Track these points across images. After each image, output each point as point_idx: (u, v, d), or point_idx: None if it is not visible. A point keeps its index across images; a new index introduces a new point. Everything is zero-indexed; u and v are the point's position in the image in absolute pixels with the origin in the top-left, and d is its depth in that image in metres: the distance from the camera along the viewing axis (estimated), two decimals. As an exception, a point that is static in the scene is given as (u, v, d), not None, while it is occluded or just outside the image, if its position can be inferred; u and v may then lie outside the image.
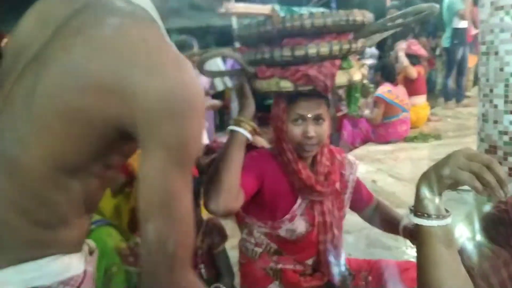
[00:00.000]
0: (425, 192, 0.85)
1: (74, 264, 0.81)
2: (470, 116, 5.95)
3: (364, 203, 1.60)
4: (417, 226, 0.86)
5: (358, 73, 1.30)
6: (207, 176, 1.25)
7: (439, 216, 0.84)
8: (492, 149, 2.30)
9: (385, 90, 4.65)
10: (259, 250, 1.45)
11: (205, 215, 1.73)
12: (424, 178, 0.86)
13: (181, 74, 0.72)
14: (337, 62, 1.23)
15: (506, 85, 2.19)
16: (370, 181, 3.55)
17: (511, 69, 2.16)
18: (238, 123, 1.25)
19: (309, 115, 1.31)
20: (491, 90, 2.26)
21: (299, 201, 1.39)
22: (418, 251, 0.87)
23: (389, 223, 1.54)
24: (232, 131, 1.25)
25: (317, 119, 1.33)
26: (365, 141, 4.92)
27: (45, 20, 0.79)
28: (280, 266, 1.45)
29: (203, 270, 1.54)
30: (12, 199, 0.74)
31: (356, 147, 4.83)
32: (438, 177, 0.83)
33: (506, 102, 2.20)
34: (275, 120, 1.36)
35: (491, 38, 2.22)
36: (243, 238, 1.49)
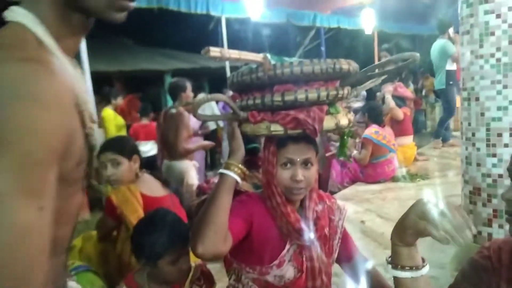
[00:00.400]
0: (397, 244, 0.88)
1: None
2: (456, 156, 6.05)
3: (349, 256, 1.57)
4: (394, 277, 0.89)
5: (345, 118, 1.34)
6: (196, 218, 1.26)
7: (412, 268, 0.86)
8: (476, 191, 2.35)
9: (372, 131, 4.73)
10: None
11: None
12: (394, 230, 0.89)
13: None
14: (325, 107, 1.29)
15: (488, 129, 2.26)
16: (359, 222, 3.57)
17: (492, 114, 2.24)
18: (228, 167, 1.28)
19: (298, 159, 1.34)
20: (473, 134, 2.33)
21: (287, 246, 1.39)
22: None
23: None
24: (222, 174, 1.28)
25: (306, 163, 1.36)
26: (354, 180, 4.95)
27: None
28: None
29: None
30: None
31: (345, 187, 4.85)
32: (402, 229, 0.87)
33: (488, 145, 2.27)
34: (265, 164, 1.38)
35: (472, 84, 2.32)
36: (231, 284, 1.47)
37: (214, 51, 1.22)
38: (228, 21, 6.80)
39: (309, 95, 1.23)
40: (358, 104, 5.50)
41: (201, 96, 1.28)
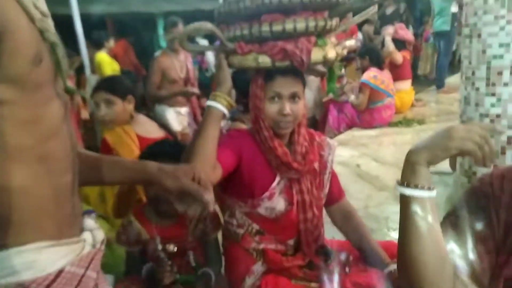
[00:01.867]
0: (419, 164, 0.86)
1: (41, 261, 0.68)
2: (453, 101, 6.01)
3: (334, 198, 1.60)
4: (404, 198, 0.87)
5: (332, 51, 1.33)
6: (185, 150, 1.27)
7: (430, 188, 0.86)
8: (473, 132, 2.32)
9: (370, 75, 4.65)
10: (241, 231, 1.46)
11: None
12: (421, 151, 0.87)
13: None
14: (312, 38, 1.28)
15: (488, 68, 2.20)
16: (355, 165, 3.58)
17: (493, 51, 2.17)
18: (214, 98, 1.27)
19: (285, 93, 1.34)
20: (473, 73, 2.28)
21: (277, 179, 1.41)
22: (404, 224, 0.88)
23: (355, 239, 1.55)
24: (209, 106, 1.27)
25: (293, 97, 1.35)
26: (350, 126, 4.95)
27: None
28: (262, 246, 1.46)
29: (191, 258, 1.54)
30: None
31: (341, 132, 4.86)
32: (443, 149, 0.85)
33: (487, 84, 2.22)
34: (253, 99, 1.38)
35: (474, 20, 2.23)
36: (226, 220, 1.50)
37: None
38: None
39: (298, 25, 1.22)
40: (350, 43, 5.38)
41: (189, 26, 1.23)
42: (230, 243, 1.51)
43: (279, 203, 1.41)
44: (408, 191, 0.86)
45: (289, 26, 1.21)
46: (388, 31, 5.41)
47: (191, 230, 1.56)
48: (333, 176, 1.57)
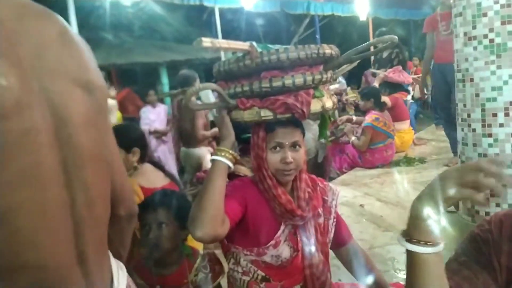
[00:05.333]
0: (419, 218, 0.82)
1: None
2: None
3: (343, 240, 1.61)
4: (409, 252, 0.85)
5: (329, 101, 1.41)
6: (193, 204, 1.29)
7: (435, 243, 0.82)
8: (473, 172, 2.37)
9: (373, 118, 4.75)
10: (246, 278, 1.46)
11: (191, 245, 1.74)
12: (422, 204, 0.82)
13: None
14: (311, 91, 1.35)
15: (483, 110, 2.28)
16: (358, 205, 3.60)
17: (486, 94, 2.26)
18: (219, 153, 1.32)
19: (287, 142, 1.39)
20: (469, 115, 2.36)
21: (282, 227, 1.43)
22: (409, 274, 0.86)
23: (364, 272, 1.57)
24: (214, 160, 1.32)
25: (294, 145, 1.41)
26: (352, 166, 4.97)
27: None
28: None
29: None
30: None
31: (344, 173, 4.88)
32: (441, 200, 0.79)
33: (483, 126, 2.29)
34: (255, 149, 1.42)
35: (466, 66, 2.33)
36: (230, 268, 1.50)
37: (206, 41, 1.25)
38: (221, 11, 6.78)
39: (296, 80, 1.29)
40: (334, 86, 5.55)
41: (193, 87, 1.33)
42: (236, 291, 1.50)
43: (285, 251, 1.42)
44: (410, 246, 0.84)
45: (288, 81, 1.28)
46: (379, 76, 5.58)
47: (192, 279, 1.57)
48: (340, 219, 1.59)
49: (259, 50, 1.33)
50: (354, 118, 5.20)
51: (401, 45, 6.29)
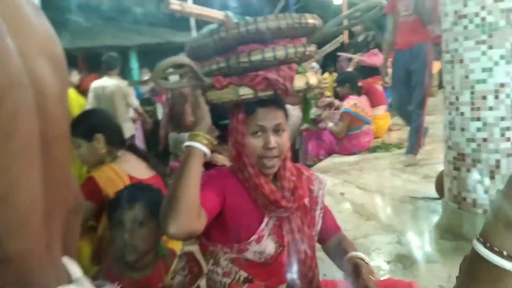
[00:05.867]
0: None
1: None
2: (430, 124, 6.09)
3: (331, 233, 1.50)
4: (488, 263, 0.67)
5: (314, 77, 1.30)
6: (165, 196, 1.17)
7: None
8: (460, 157, 2.30)
9: (351, 103, 4.70)
10: (227, 280, 1.34)
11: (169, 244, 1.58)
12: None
13: None
14: (294, 65, 1.24)
15: (472, 93, 2.20)
16: (338, 194, 3.52)
17: (476, 76, 2.18)
18: (193, 138, 1.20)
19: (269, 126, 1.28)
20: (457, 98, 2.27)
21: (265, 219, 1.31)
22: None
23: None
24: (188, 147, 1.19)
25: (277, 129, 1.29)
26: (329, 153, 4.93)
27: None
28: None
29: None
30: None
31: (320, 160, 4.82)
32: None
33: (472, 109, 2.21)
34: (233, 134, 1.30)
35: (455, 46, 2.24)
36: (210, 269, 1.38)
37: (174, 3, 1.09)
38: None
39: (277, 53, 1.18)
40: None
41: (162, 62, 1.16)
42: (216, 295, 1.38)
43: (269, 246, 1.31)
44: (501, 261, 0.65)
45: (268, 54, 1.17)
46: (354, 61, 5.50)
47: (168, 282, 1.45)
48: (327, 211, 1.49)
49: (235, 20, 1.20)
50: (336, 102, 5.11)
51: (377, 28, 6.20)
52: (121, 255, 1.41)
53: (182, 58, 1.19)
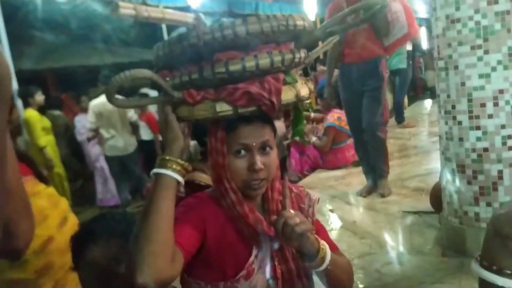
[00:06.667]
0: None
1: None
2: (410, 136, 6.08)
3: None
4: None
5: (305, 88, 1.13)
6: (132, 237, 0.96)
7: None
8: (459, 169, 2.18)
9: (335, 117, 4.63)
10: None
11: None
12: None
13: None
14: (281, 76, 1.06)
15: (469, 100, 2.10)
16: (327, 211, 3.37)
17: (473, 83, 2.08)
18: (162, 163, 1.00)
19: (254, 144, 1.09)
20: (453, 107, 2.17)
21: (254, 251, 1.13)
22: None
23: None
24: (157, 175, 1.00)
25: (264, 147, 1.11)
26: (313, 168, 4.84)
27: None
28: None
29: None
30: None
31: (305, 175, 4.70)
32: None
33: (470, 118, 2.11)
34: (213, 155, 1.11)
35: (449, 52, 2.14)
36: None
37: (125, 7, 0.89)
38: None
39: (260, 61, 1.01)
40: None
41: (117, 76, 0.96)
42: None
43: (260, 281, 1.13)
44: (502, 281, 0.62)
45: (250, 63, 1.00)
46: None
47: None
48: (320, 228, 1.30)
49: (208, 23, 1.02)
50: (312, 114, 5.00)
51: None
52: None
53: (143, 71, 0.99)
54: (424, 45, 10.00)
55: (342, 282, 1.21)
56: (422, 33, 9.63)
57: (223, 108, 1.01)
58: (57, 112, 5.61)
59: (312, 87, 1.19)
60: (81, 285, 1.25)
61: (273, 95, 1.02)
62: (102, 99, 4.65)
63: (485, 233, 0.64)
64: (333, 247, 1.30)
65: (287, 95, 1.06)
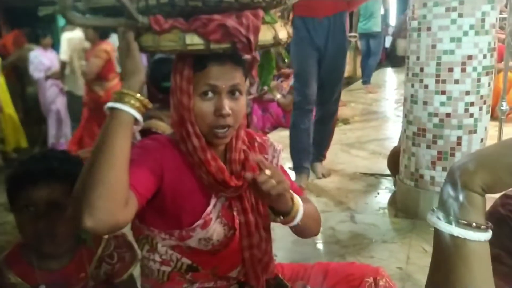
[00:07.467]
0: (476, 190, 0.59)
1: None
2: (372, 101, 6.14)
3: None
4: (447, 237, 0.60)
5: (283, 30, 1.06)
6: (79, 177, 0.88)
7: (485, 227, 0.59)
8: (420, 132, 2.20)
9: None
10: (167, 269, 1.12)
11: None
12: (477, 172, 0.59)
13: None
14: (260, 12, 0.98)
15: (438, 64, 2.08)
16: (287, 169, 3.35)
17: (444, 46, 2.06)
18: (120, 98, 0.91)
19: (224, 86, 1.02)
20: (422, 69, 2.16)
21: (213, 200, 1.09)
22: (449, 271, 0.62)
23: None
24: (112, 110, 0.91)
25: (233, 91, 1.04)
26: (275, 126, 4.83)
27: None
28: (197, 286, 1.13)
29: None
30: None
31: (266, 133, 4.65)
32: (501, 167, 0.58)
33: (437, 82, 2.10)
34: (176, 94, 1.04)
35: (423, 12, 2.10)
36: (144, 256, 1.15)
37: None
38: None
39: None
40: None
41: None
42: (153, 285, 1.15)
43: (217, 231, 1.09)
44: (457, 231, 0.59)
45: None
46: None
47: (92, 272, 1.18)
48: (285, 175, 1.22)
49: None
50: (287, 71, 4.94)
51: None
52: (35, 245, 1.11)
53: None
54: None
55: (310, 230, 1.19)
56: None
57: (194, 40, 0.93)
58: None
59: (291, 31, 1.11)
60: (18, 228, 1.15)
61: (250, 32, 0.95)
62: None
63: (442, 185, 0.62)
64: (299, 192, 1.27)
65: (265, 36, 1.00)
